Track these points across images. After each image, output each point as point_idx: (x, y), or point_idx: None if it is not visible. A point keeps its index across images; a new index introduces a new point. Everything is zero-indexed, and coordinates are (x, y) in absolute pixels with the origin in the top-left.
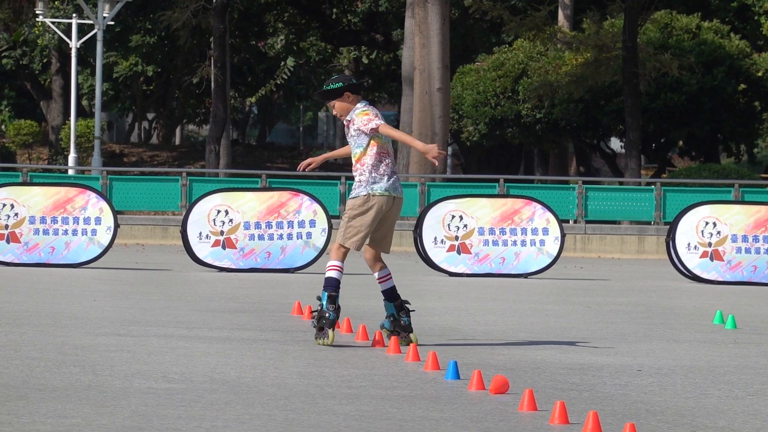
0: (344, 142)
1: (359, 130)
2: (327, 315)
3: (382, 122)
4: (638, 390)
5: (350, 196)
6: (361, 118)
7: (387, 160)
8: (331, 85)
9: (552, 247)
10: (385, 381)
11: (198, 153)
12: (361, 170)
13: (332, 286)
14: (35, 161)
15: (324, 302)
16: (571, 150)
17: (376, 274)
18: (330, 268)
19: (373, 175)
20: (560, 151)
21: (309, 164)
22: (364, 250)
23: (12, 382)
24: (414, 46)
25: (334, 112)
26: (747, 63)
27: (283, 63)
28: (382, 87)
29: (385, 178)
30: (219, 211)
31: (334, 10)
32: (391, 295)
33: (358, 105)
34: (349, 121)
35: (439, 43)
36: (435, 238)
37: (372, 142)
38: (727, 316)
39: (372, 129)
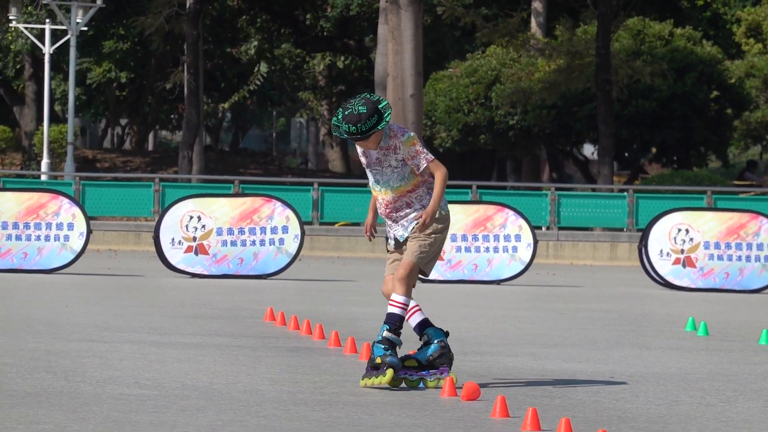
0: (317, 149)
1: (404, 161)
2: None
3: (432, 157)
4: (610, 397)
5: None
6: (409, 149)
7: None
8: (369, 121)
9: (524, 253)
10: (358, 387)
11: (171, 159)
12: (418, 195)
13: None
14: (8, 167)
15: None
16: (543, 156)
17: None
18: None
19: (429, 191)
20: (533, 157)
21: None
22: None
23: None
24: (387, 52)
25: (363, 146)
26: (719, 70)
27: (256, 69)
28: (355, 93)
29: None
30: (192, 217)
31: (308, 16)
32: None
33: (394, 127)
34: (383, 148)
35: (412, 49)
36: None
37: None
38: (699, 323)
39: (422, 168)
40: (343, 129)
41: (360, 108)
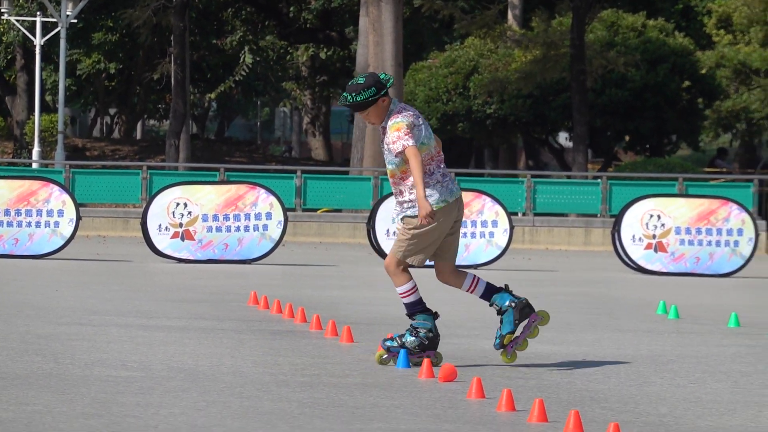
0: (301, 138)
1: (388, 147)
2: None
3: (412, 144)
4: (583, 378)
5: (405, 215)
6: (392, 134)
7: (432, 166)
8: (363, 93)
9: (501, 239)
10: (338, 369)
11: (158, 147)
12: (407, 193)
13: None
14: (0, 155)
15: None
16: (520, 145)
17: (463, 288)
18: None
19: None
20: (510, 145)
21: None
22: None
23: None
24: (368, 43)
25: (368, 121)
26: (690, 60)
27: (241, 60)
28: (337, 83)
29: (442, 184)
30: (178, 204)
31: (291, 9)
32: (490, 293)
33: (392, 108)
34: (384, 128)
35: (393, 41)
36: (388, 230)
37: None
38: (670, 306)
39: (398, 153)
40: (341, 98)
41: (360, 80)
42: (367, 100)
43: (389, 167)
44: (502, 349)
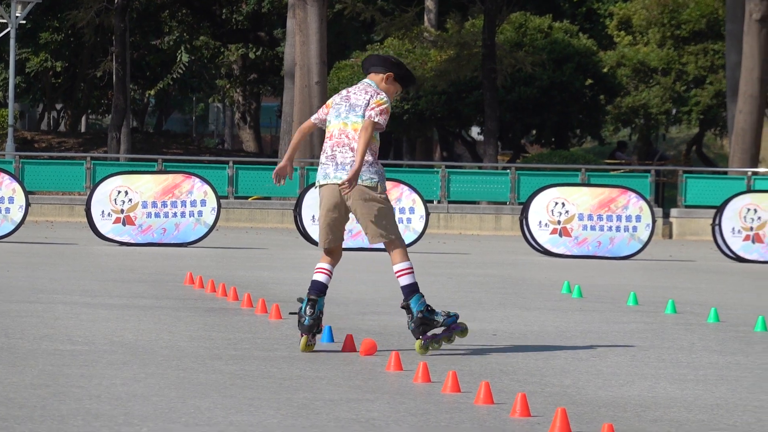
0: (233, 131)
1: (368, 102)
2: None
3: (379, 122)
4: (494, 352)
5: (366, 185)
6: (380, 99)
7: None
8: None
9: (418, 224)
10: (267, 344)
11: (101, 140)
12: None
13: None
14: None
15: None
16: (435, 138)
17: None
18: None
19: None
20: (426, 138)
21: (282, 175)
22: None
23: None
24: (295, 43)
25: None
26: (593, 60)
27: (178, 59)
28: (267, 81)
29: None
30: (120, 192)
31: (224, 11)
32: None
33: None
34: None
35: (318, 41)
36: (313, 217)
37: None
38: (574, 286)
39: (371, 113)
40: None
41: (391, 57)
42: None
43: (350, 120)
44: (419, 339)
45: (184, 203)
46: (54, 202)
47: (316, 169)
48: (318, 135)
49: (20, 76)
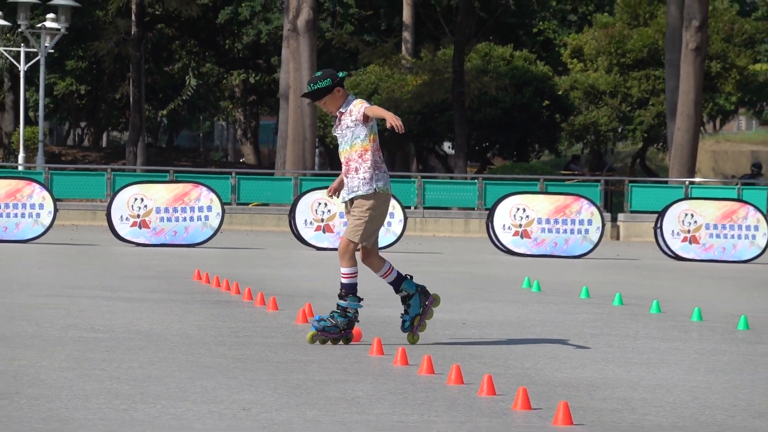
0: (235, 146)
1: (357, 120)
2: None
3: (368, 104)
4: (463, 339)
5: (357, 195)
6: (357, 107)
7: (378, 155)
8: (320, 83)
9: (397, 227)
10: (265, 332)
11: (120, 153)
12: (365, 167)
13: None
14: None
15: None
16: (412, 152)
17: (379, 273)
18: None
19: (376, 171)
20: (403, 152)
21: (334, 190)
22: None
23: None
24: (289, 70)
25: (326, 109)
26: (550, 84)
27: (187, 83)
28: (265, 102)
29: (386, 175)
30: (136, 199)
31: (227, 42)
32: (399, 281)
33: (351, 97)
34: (342, 113)
35: (309, 68)
36: (305, 221)
37: (372, 135)
38: (533, 281)
39: (363, 114)
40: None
41: (317, 73)
42: (322, 88)
43: (355, 142)
44: (409, 331)
45: (192, 209)
46: (79, 208)
47: (307, 179)
48: (310, 149)
49: (49, 98)
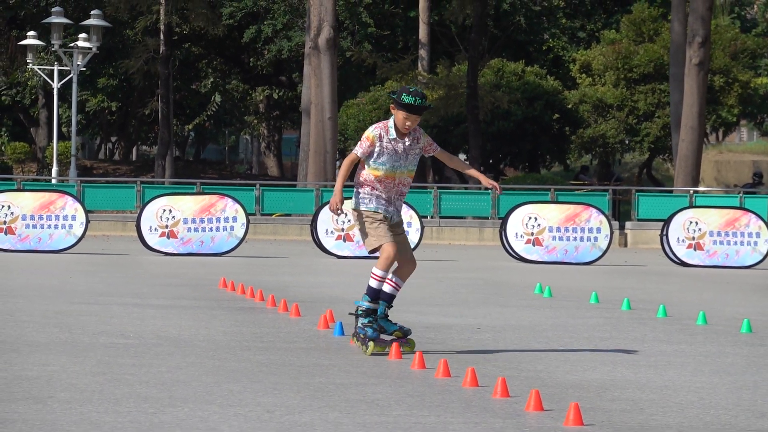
0: (259, 159)
1: (422, 150)
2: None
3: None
4: (478, 343)
5: (400, 219)
6: (427, 138)
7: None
8: (427, 103)
9: (414, 236)
10: (288, 337)
11: (149, 166)
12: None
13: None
14: (27, 173)
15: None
16: (428, 164)
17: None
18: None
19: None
20: (420, 164)
21: (338, 205)
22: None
23: (7, 339)
24: (310, 86)
25: (408, 125)
26: (560, 98)
27: (212, 99)
28: (287, 117)
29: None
30: (165, 210)
31: (251, 59)
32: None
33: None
34: (415, 138)
35: (329, 84)
36: (327, 230)
37: None
38: (545, 287)
39: (429, 150)
40: (411, 96)
41: (418, 89)
42: (427, 108)
43: (412, 170)
44: (374, 335)
45: (218, 219)
46: (109, 219)
47: (328, 191)
48: (331, 161)
49: (81, 114)
